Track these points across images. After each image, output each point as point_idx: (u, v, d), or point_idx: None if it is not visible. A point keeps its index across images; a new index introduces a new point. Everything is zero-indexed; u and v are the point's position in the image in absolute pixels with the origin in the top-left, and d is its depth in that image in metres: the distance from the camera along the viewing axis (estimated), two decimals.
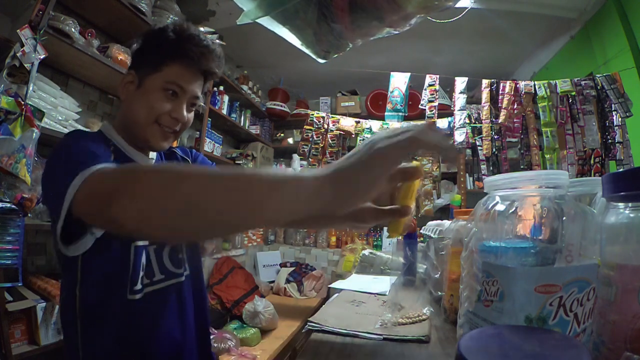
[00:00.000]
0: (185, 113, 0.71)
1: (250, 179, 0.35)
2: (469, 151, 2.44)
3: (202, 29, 2.25)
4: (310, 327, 0.64)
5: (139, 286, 0.63)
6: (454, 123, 2.28)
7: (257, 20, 1.03)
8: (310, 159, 2.59)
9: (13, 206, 1.16)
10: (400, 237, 0.76)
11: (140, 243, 0.65)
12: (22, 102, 1.16)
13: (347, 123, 2.59)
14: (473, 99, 2.60)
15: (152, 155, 0.76)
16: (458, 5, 1.95)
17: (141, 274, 0.64)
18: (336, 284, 1.10)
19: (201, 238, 0.46)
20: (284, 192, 0.34)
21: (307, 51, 1.19)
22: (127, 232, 0.36)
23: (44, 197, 0.59)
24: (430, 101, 2.32)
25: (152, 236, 0.37)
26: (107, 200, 0.36)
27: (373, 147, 0.35)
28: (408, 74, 2.40)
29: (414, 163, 0.45)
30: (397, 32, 1.08)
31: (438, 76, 2.34)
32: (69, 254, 0.53)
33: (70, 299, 0.60)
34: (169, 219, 0.35)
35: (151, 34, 0.71)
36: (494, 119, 2.19)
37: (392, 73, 2.43)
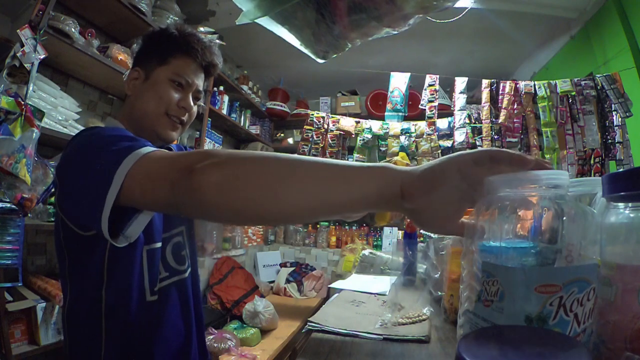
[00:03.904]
0: (192, 103, 0.75)
1: (340, 165, 0.37)
2: None
3: (202, 29, 2.25)
4: (310, 327, 0.64)
5: (157, 287, 0.66)
6: (454, 123, 2.28)
7: (256, 20, 1.03)
8: None
9: (13, 206, 1.16)
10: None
11: (156, 246, 0.66)
12: (22, 102, 1.16)
13: (347, 123, 2.58)
14: (473, 99, 2.60)
15: None
16: (458, 5, 1.95)
17: (158, 275, 0.66)
18: (336, 284, 1.10)
19: (278, 221, 0.48)
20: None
21: (306, 51, 1.19)
22: (203, 204, 0.37)
23: (65, 191, 0.54)
24: (430, 101, 2.32)
25: (227, 208, 0.38)
26: (187, 170, 0.38)
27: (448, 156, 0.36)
28: (408, 74, 2.40)
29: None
30: (395, 32, 1.08)
31: (438, 76, 2.34)
32: (120, 244, 0.49)
33: (93, 301, 0.60)
34: (252, 191, 0.36)
35: (154, 32, 0.75)
36: (494, 119, 2.19)
37: (392, 73, 2.43)
